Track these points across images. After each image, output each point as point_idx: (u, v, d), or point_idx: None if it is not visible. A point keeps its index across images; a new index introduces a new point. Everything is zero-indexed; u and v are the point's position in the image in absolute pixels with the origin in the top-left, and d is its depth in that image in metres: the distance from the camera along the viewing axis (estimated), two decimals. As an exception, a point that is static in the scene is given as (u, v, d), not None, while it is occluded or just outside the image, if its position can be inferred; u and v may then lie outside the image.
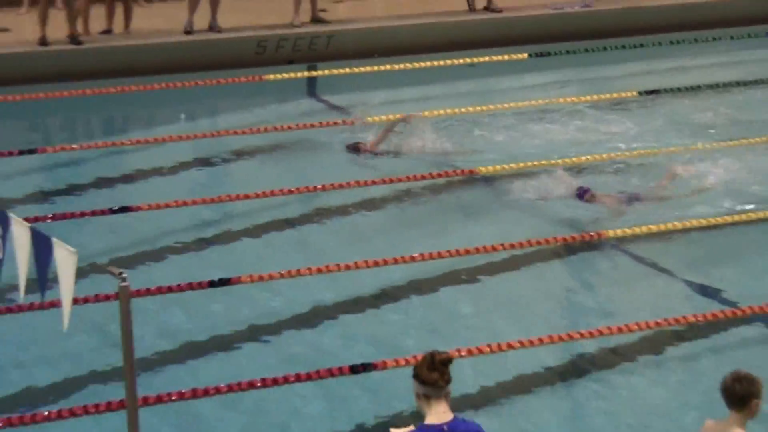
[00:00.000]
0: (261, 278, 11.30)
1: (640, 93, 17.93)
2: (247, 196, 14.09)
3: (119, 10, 19.34)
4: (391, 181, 14.48)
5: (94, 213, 13.23)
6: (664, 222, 13.16)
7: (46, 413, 9.04)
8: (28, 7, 20.20)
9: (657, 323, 10.45)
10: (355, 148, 15.62)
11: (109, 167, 15.43)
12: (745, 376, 6.72)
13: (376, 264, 11.59)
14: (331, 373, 9.04)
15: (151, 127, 17.75)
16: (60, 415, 9.19)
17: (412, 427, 6.81)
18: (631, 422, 9.14)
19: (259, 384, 9.34)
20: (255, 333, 11.07)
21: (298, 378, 9.35)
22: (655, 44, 20.41)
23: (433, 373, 6.62)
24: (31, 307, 9.81)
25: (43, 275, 6.46)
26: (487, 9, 21.06)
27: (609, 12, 22.04)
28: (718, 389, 6.84)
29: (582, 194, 14.15)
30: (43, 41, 18.37)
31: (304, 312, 11.18)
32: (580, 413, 9.60)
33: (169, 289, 10.83)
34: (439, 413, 6.65)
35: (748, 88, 18.62)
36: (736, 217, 13.34)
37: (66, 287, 6.29)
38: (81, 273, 7.04)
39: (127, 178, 15.33)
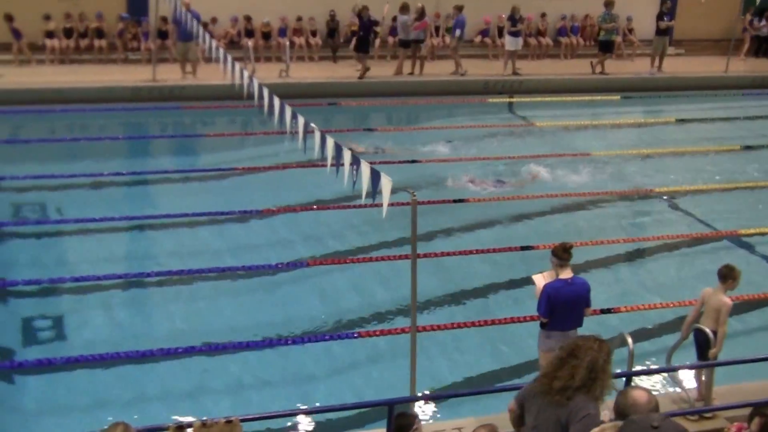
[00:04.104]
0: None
1: (677, 120, 24.08)
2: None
3: (418, 63, 25.78)
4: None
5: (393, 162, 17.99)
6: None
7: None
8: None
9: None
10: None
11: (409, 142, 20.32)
12: (730, 265, 9.40)
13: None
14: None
15: (437, 118, 23.43)
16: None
17: (551, 277, 9.09)
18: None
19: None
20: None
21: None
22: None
23: (564, 254, 9.00)
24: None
25: (374, 188, 8.40)
26: (601, 72, 26.99)
27: (664, 78, 27.70)
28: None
29: (471, 180, 17.52)
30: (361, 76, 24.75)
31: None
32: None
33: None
34: (566, 274, 8.99)
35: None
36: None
37: (386, 196, 8.13)
38: (393, 191, 8.21)
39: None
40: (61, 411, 9.99)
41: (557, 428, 6.09)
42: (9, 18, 24.21)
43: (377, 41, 26.90)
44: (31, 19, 24.59)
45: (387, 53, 27.70)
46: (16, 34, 24.33)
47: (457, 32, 25.80)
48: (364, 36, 24.74)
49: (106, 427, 5.74)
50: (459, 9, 25.81)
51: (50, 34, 24.83)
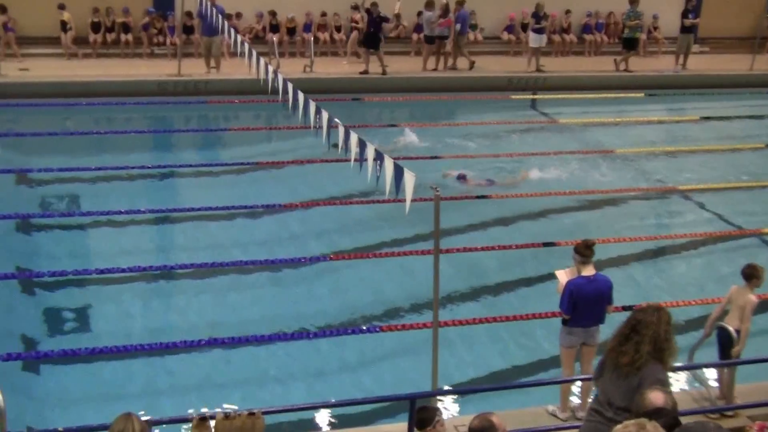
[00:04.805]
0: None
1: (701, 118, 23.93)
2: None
3: (442, 59, 25.89)
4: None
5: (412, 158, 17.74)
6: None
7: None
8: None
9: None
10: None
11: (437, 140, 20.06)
12: (753, 265, 9.36)
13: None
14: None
15: (460, 114, 23.35)
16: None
17: (573, 273, 9.06)
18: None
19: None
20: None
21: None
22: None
23: (587, 251, 9.00)
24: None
25: (398, 185, 8.47)
26: (625, 70, 26.94)
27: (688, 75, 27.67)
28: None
29: (461, 177, 17.33)
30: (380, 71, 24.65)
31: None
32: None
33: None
34: (588, 271, 9.03)
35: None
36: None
37: (409, 191, 8.22)
38: (416, 186, 8.19)
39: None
40: (78, 401, 10.07)
41: (629, 392, 6.39)
42: (2, 9, 23.86)
43: (399, 31, 26.91)
44: (46, 14, 24.73)
45: (411, 49, 27.61)
46: (6, 27, 24.07)
47: (458, 27, 25.52)
48: (374, 32, 24.36)
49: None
50: (461, 4, 25.61)
51: (64, 26, 24.65)
